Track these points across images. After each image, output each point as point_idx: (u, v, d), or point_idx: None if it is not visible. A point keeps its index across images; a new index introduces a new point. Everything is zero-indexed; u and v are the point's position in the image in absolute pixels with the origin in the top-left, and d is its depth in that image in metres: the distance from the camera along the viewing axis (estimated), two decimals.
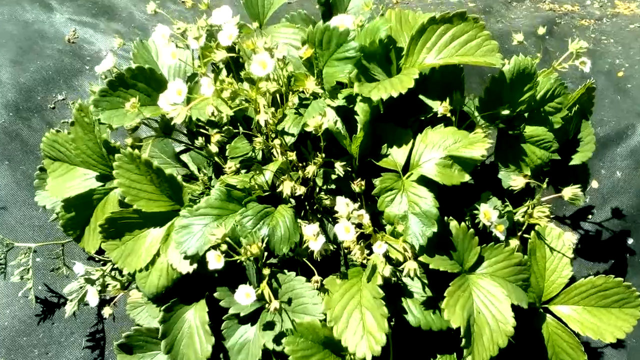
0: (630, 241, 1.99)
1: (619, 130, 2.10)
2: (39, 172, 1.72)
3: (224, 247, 1.24)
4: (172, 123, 1.28)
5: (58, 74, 2.17)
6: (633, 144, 2.08)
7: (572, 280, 1.49)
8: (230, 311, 1.40)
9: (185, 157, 1.79)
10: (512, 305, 1.34)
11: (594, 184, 2.06)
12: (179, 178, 1.41)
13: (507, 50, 2.32)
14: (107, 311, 1.67)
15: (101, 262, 1.75)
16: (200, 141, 1.45)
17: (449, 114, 1.39)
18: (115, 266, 1.61)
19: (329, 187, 1.42)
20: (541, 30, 1.59)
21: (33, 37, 2.25)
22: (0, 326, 1.79)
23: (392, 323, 1.45)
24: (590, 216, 2.03)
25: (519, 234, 1.48)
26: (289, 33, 1.65)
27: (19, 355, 1.77)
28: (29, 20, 2.31)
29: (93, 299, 1.59)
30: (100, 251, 1.53)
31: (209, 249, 1.28)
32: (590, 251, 1.99)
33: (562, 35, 2.48)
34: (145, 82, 1.48)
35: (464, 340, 1.25)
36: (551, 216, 1.51)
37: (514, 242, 1.45)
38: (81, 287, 1.65)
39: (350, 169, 1.39)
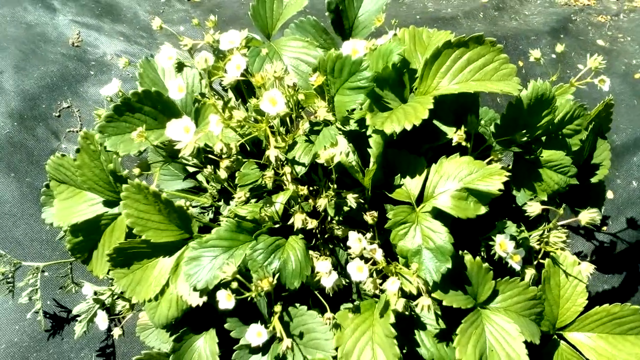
0: None
1: (636, 138, 2.05)
2: (46, 188, 1.70)
3: (234, 284, 1.22)
4: (181, 155, 1.25)
5: (62, 80, 2.12)
6: None
7: (588, 305, 1.47)
8: (241, 342, 1.38)
9: (192, 169, 1.77)
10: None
11: (609, 194, 2.02)
12: (188, 205, 1.39)
13: (521, 51, 2.27)
14: (116, 332, 1.66)
15: (111, 280, 1.74)
16: (209, 170, 1.42)
17: (464, 143, 1.35)
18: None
19: (340, 218, 1.39)
20: (559, 48, 1.54)
21: (35, 41, 2.21)
22: (10, 342, 1.79)
23: (404, 351, 1.44)
24: (605, 227, 2.00)
25: (535, 262, 1.45)
26: (298, 47, 1.61)
27: None
28: (31, 22, 2.26)
29: (102, 324, 1.58)
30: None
31: (219, 284, 1.27)
32: (605, 263, 1.96)
33: (577, 34, 2.42)
34: (152, 105, 1.44)
35: None
36: (567, 241, 1.48)
37: (530, 271, 1.43)
38: (90, 308, 1.65)
39: (362, 200, 1.36)
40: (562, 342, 1.48)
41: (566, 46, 2.35)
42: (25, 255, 1.83)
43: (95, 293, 1.64)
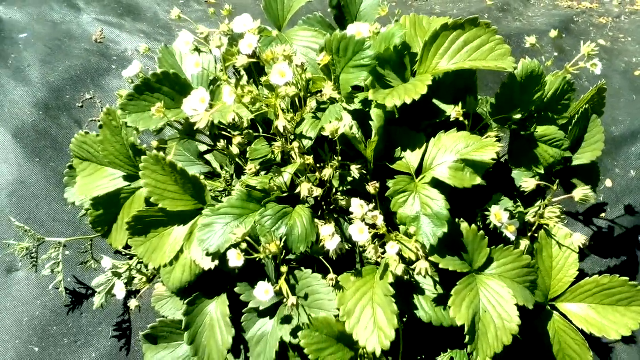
0: None
1: (633, 130, 2.13)
2: (69, 169, 1.80)
3: (244, 245, 1.31)
4: (196, 127, 1.34)
5: (86, 73, 2.25)
6: None
7: (580, 278, 1.54)
8: (250, 305, 1.47)
9: (208, 156, 1.86)
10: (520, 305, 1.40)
11: (608, 182, 2.09)
12: (202, 178, 1.48)
13: (524, 49, 2.36)
14: (133, 304, 1.75)
15: (128, 256, 1.83)
16: (222, 144, 1.51)
17: (461, 118, 1.44)
18: (141, 260, 1.70)
19: (345, 188, 1.48)
20: (553, 34, 1.63)
21: (61, 37, 2.34)
22: (32, 316, 1.88)
23: (404, 319, 1.51)
24: (603, 214, 2.07)
25: (530, 234, 1.53)
26: (307, 36, 1.70)
27: (50, 343, 1.87)
28: (57, 20, 2.40)
29: (120, 293, 1.67)
30: (127, 246, 1.61)
31: (229, 247, 1.35)
32: (603, 248, 2.03)
33: (579, 34, 2.51)
34: (170, 86, 1.55)
35: (467, 337, 1.30)
36: (562, 216, 1.55)
37: (524, 242, 1.50)
38: (109, 280, 1.74)
39: (365, 172, 1.44)
40: (554, 312, 1.55)
41: (568, 45, 2.43)
42: (48, 235, 1.93)
43: (114, 267, 1.73)
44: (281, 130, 1.34)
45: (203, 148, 1.80)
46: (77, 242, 1.97)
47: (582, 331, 1.51)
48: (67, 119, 2.15)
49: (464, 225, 1.39)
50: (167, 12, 2.51)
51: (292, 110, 1.55)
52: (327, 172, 1.42)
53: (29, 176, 2.03)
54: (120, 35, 2.39)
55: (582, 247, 1.49)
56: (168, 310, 1.68)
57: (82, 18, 2.43)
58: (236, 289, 1.47)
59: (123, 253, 1.86)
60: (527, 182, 1.50)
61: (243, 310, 1.49)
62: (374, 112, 1.39)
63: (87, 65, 2.27)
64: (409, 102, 1.33)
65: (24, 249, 1.79)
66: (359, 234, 1.30)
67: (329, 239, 1.34)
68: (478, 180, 1.36)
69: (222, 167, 1.84)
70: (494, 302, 1.37)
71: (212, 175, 1.89)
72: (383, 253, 1.40)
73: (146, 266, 1.75)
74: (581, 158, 1.67)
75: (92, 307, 1.91)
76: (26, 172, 2.04)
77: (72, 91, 2.21)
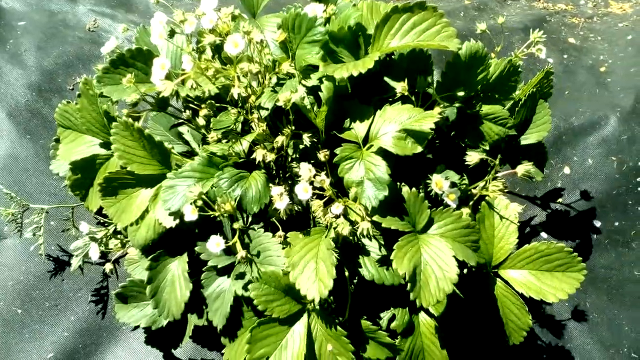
0: (597, 223, 2.12)
1: (592, 121, 2.23)
2: (54, 143, 1.93)
3: (199, 202, 1.43)
4: (160, 95, 1.47)
5: (77, 58, 2.40)
6: (605, 134, 2.21)
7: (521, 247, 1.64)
8: (210, 263, 1.58)
9: (188, 136, 1.98)
10: (469, 268, 1.50)
11: (566, 169, 2.19)
12: (168, 145, 1.60)
13: (494, 44, 2.46)
14: (108, 266, 1.87)
15: (106, 225, 1.96)
16: (187, 113, 1.64)
17: (406, 93, 1.55)
18: (116, 229, 1.82)
19: (297, 155, 1.60)
20: (500, 20, 1.74)
21: (57, 26, 2.50)
22: (16, 280, 2.01)
23: (355, 281, 1.62)
24: (560, 199, 2.17)
25: (471, 203, 1.63)
26: (277, 22, 1.83)
27: (32, 306, 1.99)
28: (54, 10, 2.56)
29: (94, 254, 1.79)
30: (105, 216, 1.73)
31: None
32: (560, 231, 2.12)
33: (550, 33, 2.61)
34: (143, 61, 1.67)
35: (409, 284, 1.38)
36: (505, 190, 1.65)
37: (466, 210, 1.60)
38: (85, 245, 1.86)
39: (316, 141, 1.56)
40: (497, 279, 1.64)
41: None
42: (35, 204, 2.06)
43: (91, 232, 1.86)
44: (235, 96, 1.46)
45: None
46: (61, 214, 2.10)
47: (523, 296, 1.61)
48: (58, 100, 2.29)
49: (405, 189, 1.49)
50: (158, 5, 2.66)
51: (250, 82, 1.67)
52: (280, 139, 1.53)
53: (20, 152, 2.17)
54: (112, 24, 2.54)
55: (517, 214, 1.59)
56: (139, 273, 1.80)
57: (77, 8, 2.59)
58: (196, 248, 1.59)
59: (102, 222, 1.99)
60: (471, 155, 1.60)
61: (203, 269, 1.60)
62: (324, 85, 1.50)
63: (80, 51, 2.42)
64: (355, 74, 1.44)
65: (9, 215, 1.92)
66: (304, 192, 1.42)
67: (279, 199, 1.45)
68: (419, 149, 1.46)
69: (199, 146, 1.96)
70: (434, 256, 1.43)
71: (191, 154, 2.01)
72: (336, 217, 1.51)
73: (120, 232, 1.88)
74: (529, 138, 1.77)
75: (72, 274, 2.03)
76: (18, 148, 2.18)
77: (64, 75, 2.36)
